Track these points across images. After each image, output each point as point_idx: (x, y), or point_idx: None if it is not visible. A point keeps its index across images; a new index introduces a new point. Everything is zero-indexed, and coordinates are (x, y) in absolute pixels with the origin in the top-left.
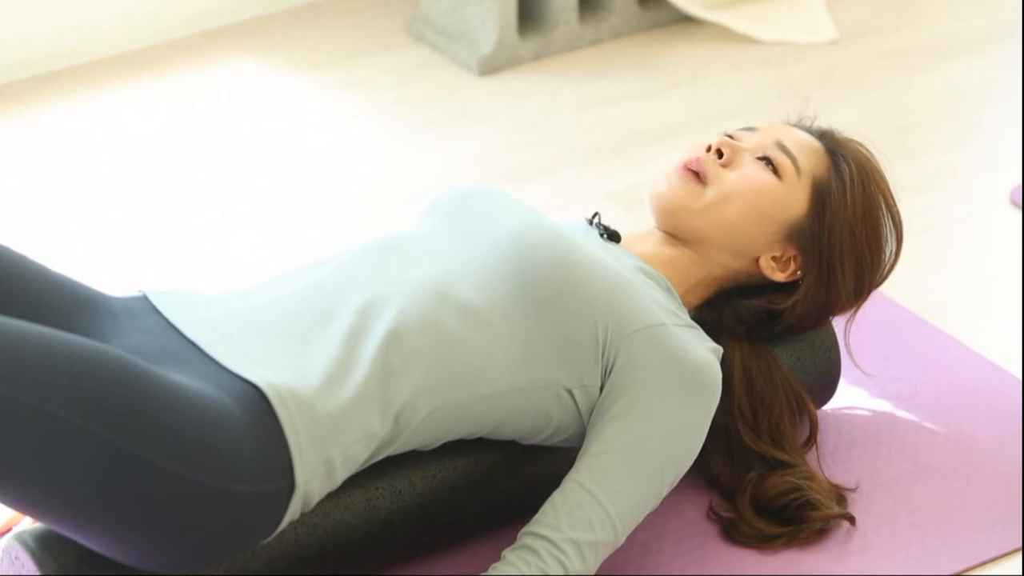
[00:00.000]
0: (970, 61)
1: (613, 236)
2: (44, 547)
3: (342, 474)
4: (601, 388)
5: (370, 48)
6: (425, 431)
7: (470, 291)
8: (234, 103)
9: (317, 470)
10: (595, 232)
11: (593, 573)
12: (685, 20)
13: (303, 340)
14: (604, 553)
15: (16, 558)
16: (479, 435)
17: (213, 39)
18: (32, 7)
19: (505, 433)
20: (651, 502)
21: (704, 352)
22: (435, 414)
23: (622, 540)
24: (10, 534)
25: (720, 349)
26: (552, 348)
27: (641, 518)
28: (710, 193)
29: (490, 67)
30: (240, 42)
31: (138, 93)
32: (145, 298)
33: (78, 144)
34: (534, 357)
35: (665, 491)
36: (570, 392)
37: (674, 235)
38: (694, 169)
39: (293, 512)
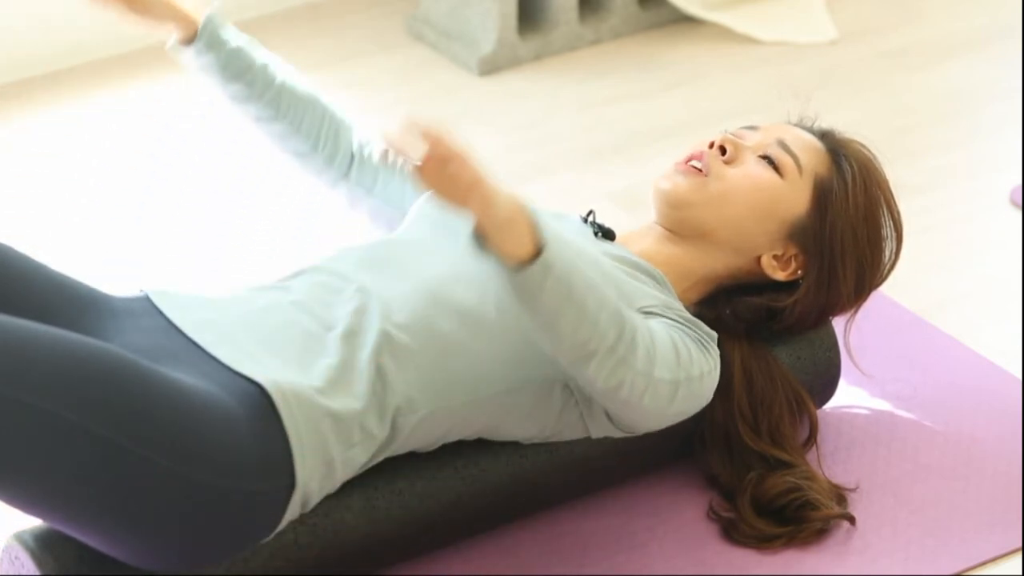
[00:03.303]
0: (970, 61)
1: (607, 234)
2: (44, 547)
3: (341, 476)
4: None
5: (370, 48)
6: (423, 433)
7: (463, 292)
8: None
9: (317, 469)
10: (589, 230)
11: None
12: (685, 20)
13: (303, 343)
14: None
15: (16, 558)
16: (479, 436)
17: None
18: (32, 7)
19: (506, 434)
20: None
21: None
22: (432, 416)
23: (642, 366)
24: (10, 534)
25: (715, 334)
26: None
27: (668, 366)
28: (713, 188)
29: (490, 67)
30: None
31: (137, 93)
32: (147, 298)
33: (78, 144)
34: (529, 356)
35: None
36: (567, 387)
37: (676, 231)
38: (697, 165)
39: (292, 512)
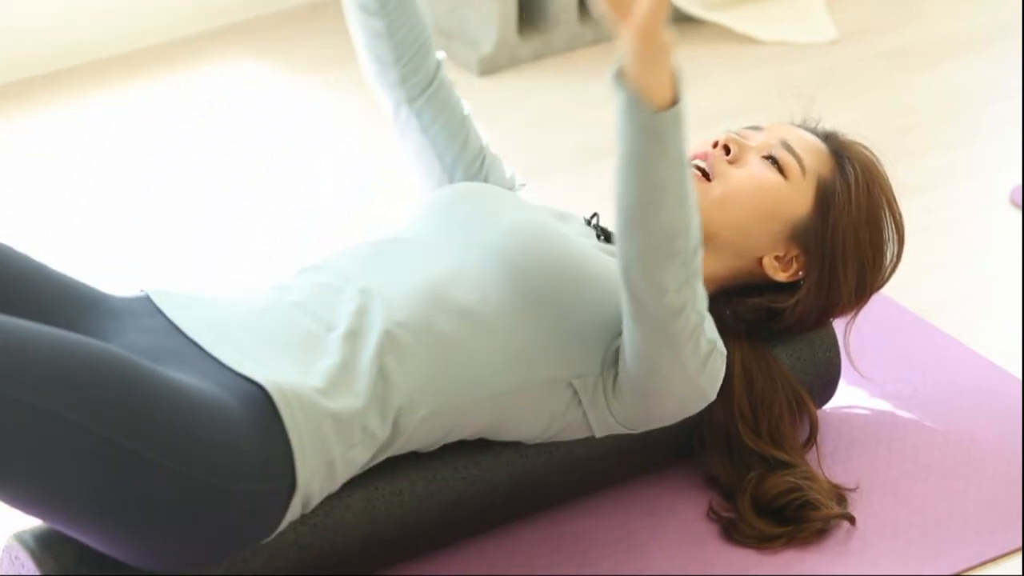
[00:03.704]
0: (970, 61)
1: (610, 237)
2: (44, 547)
3: (342, 476)
4: (600, 375)
5: None
6: (425, 433)
7: (465, 293)
8: (234, 103)
9: (318, 470)
10: (592, 233)
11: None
12: (685, 20)
13: (304, 343)
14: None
15: (16, 558)
16: (481, 436)
17: (213, 39)
18: (32, 7)
19: (508, 434)
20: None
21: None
22: (434, 416)
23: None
24: (10, 534)
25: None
26: (549, 343)
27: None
28: (716, 190)
29: (490, 67)
30: (240, 42)
31: (137, 93)
32: (147, 298)
33: (78, 144)
34: (532, 356)
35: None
36: (571, 384)
37: None
38: (700, 166)
39: (293, 512)
